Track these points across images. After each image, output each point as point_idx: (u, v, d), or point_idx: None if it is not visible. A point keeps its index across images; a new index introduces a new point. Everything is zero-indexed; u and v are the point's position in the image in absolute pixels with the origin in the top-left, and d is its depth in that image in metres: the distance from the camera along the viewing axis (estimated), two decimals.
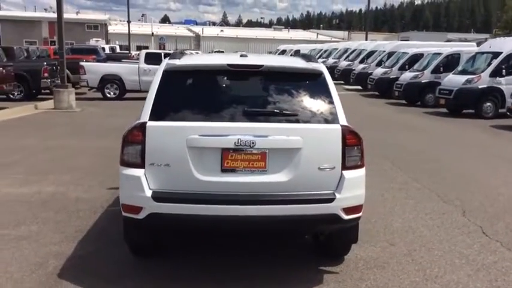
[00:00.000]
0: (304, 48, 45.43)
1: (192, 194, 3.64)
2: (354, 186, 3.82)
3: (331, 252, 4.45)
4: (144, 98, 4.06)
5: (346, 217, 3.77)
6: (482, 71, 15.97)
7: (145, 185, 3.66)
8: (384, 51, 26.06)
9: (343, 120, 3.88)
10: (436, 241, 5.02)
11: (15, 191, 6.41)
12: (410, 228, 5.39)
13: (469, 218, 5.75)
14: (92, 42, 47.33)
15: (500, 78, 15.58)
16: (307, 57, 4.37)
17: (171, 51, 8.34)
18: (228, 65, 3.95)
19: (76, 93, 16.67)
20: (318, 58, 36.85)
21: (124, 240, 4.22)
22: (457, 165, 8.67)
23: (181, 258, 4.48)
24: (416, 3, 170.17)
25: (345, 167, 3.78)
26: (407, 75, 19.95)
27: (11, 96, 17.32)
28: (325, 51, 37.46)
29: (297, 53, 46.46)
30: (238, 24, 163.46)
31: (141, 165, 3.68)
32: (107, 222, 5.32)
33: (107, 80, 19.09)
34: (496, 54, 16.08)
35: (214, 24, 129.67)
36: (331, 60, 33.37)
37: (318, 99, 3.98)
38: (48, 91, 18.37)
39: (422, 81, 19.16)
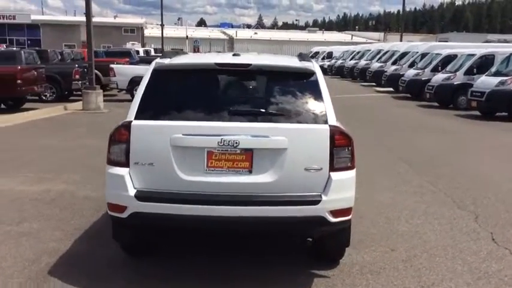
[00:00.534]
0: (337, 50, 45.15)
1: (176, 194, 3.61)
2: (343, 188, 3.70)
3: (324, 256, 4.32)
4: None
5: (333, 220, 3.66)
6: None
7: (129, 184, 3.65)
8: (417, 52, 25.45)
9: (332, 120, 3.77)
10: (440, 247, 4.82)
11: (27, 189, 6.55)
12: (416, 234, 5.20)
13: (481, 224, 5.50)
14: (128, 45, 48.26)
15: None
16: (302, 57, 4.28)
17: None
18: (216, 64, 3.91)
19: (107, 95, 17.00)
20: (351, 60, 36.80)
21: (113, 239, 4.23)
22: (479, 170, 8.34)
23: (172, 258, 4.45)
24: (456, 3, 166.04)
25: (333, 168, 3.67)
26: (439, 77, 19.42)
27: (44, 98, 17.86)
28: (358, 52, 36.93)
29: (329, 55, 46.31)
30: (273, 26, 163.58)
31: (126, 164, 3.68)
32: (106, 221, 5.34)
33: (136, 82, 19.26)
34: None
35: (249, 26, 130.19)
36: (363, 62, 32.92)
37: (307, 98, 3.88)
38: (79, 93, 18.83)
39: (455, 83, 18.59)
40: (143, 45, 55.42)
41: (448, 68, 19.89)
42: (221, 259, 4.44)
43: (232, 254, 4.60)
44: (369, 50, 34.97)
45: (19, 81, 14.64)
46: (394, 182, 7.33)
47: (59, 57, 22.77)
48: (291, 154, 3.61)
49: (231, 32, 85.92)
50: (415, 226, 5.43)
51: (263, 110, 3.78)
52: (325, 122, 3.73)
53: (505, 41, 36.51)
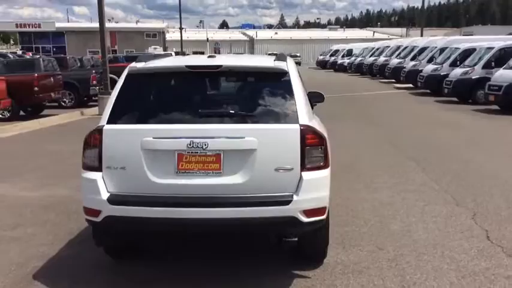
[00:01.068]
0: (357, 47, 44.73)
1: (147, 197, 3.64)
2: (315, 188, 3.66)
3: (305, 256, 4.29)
4: None
5: (306, 220, 3.62)
6: None
7: (103, 188, 3.69)
8: (436, 47, 25.00)
9: (304, 119, 3.73)
10: (429, 245, 4.72)
11: (28, 195, 6.69)
12: (407, 232, 5.10)
13: (477, 221, 5.37)
14: (150, 49, 48.89)
15: None
16: (278, 56, 4.25)
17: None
18: (187, 66, 3.92)
19: None
20: (370, 56, 36.35)
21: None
22: (487, 166, 8.13)
23: (156, 262, 4.48)
24: None
25: (304, 168, 3.63)
26: (457, 72, 19.02)
27: (63, 104, 18.24)
28: (377, 49, 36.52)
29: (349, 53, 45.90)
30: (295, 26, 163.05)
31: (99, 168, 3.72)
32: None
33: None
34: None
35: (270, 27, 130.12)
36: (382, 59, 32.52)
37: (279, 98, 3.86)
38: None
39: (473, 77, 18.17)
40: (165, 49, 56.07)
41: (466, 62, 19.45)
42: (201, 261, 4.46)
43: (212, 255, 4.61)
44: (388, 46, 34.57)
45: (36, 88, 14.99)
46: (396, 181, 7.21)
47: (78, 63, 23.18)
48: (260, 155, 3.59)
49: (251, 32, 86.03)
50: (409, 225, 5.33)
51: (233, 111, 3.78)
52: (296, 121, 3.70)
53: None
